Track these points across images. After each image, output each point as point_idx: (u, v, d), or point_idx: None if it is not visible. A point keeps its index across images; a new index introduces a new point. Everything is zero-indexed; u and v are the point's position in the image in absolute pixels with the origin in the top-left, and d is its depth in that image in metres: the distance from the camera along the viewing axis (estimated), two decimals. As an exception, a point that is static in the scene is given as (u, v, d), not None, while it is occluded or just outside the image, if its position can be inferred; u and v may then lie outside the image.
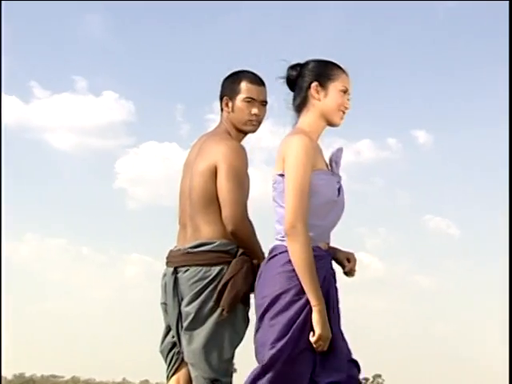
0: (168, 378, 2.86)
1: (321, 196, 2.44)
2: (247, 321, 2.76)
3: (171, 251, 2.86)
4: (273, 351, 2.30)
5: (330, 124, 2.59)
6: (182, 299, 2.74)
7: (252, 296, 2.66)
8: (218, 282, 2.66)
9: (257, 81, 2.88)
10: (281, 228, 2.43)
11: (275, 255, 2.43)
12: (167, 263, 2.85)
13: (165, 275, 2.85)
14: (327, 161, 2.57)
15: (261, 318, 2.39)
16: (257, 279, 2.49)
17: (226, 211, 2.68)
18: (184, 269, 2.74)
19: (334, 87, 2.56)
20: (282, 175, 2.46)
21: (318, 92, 2.55)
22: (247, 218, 2.73)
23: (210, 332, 2.66)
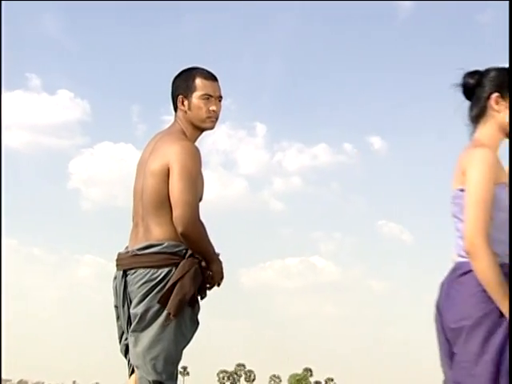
0: (129, 376, 2.86)
1: (507, 210, 2.34)
2: (196, 323, 2.74)
3: (120, 253, 2.83)
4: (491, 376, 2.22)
5: (508, 137, 2.48)
6: (131, 302, 2.72)
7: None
8: (166, 284, 2.63)
9: (211, 77, 2.85)
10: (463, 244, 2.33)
11: (464, 273, 2.33)
12: (117, 266, 2.82)
13: (115, 278, 2.82)
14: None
15: (465, 342, 2.28)
16: (443, 297, 2.40)
17: (177, 212, 2.64)
18: (132, 271, 2.71)
19: None
20: (462, 190, 2.37)
21: (497, 103, 2.46)
22: (198, 219, 2.68)
23: (155, 334, 2.64)
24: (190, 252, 2.68)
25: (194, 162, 2.70)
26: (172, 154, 2.69)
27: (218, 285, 2.80)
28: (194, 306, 2.69)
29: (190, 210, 2.64)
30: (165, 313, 2.62)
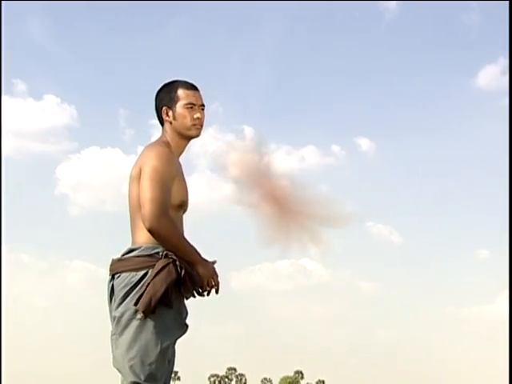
0: None
1: None
2: (184, 326, 2.76)
3: (112, 259, 2.86)
4: None
5: None
6: None
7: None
8: (142, 286, 2.67)
9: (192, 87, 2.93)
10: None
11: None
12: (109, 271, 2.86)
13: None
14: None
15: None
16: None
17: (143, 210, 2.68)
18: (117, 275, 2.76)
19: None
20: None
21: None
22: (165, 216, 2.68)
23: (132, 336, 2.67)
24: (166, 252, 2.70)
25: (165, 165, 2.75)
26: (145, 159, 2.77)
27: (216, 291, 2.80)
28: (171, 306, 2.69)
29: (154, 207, 2.66)
30: (140, 314, 2.65)
